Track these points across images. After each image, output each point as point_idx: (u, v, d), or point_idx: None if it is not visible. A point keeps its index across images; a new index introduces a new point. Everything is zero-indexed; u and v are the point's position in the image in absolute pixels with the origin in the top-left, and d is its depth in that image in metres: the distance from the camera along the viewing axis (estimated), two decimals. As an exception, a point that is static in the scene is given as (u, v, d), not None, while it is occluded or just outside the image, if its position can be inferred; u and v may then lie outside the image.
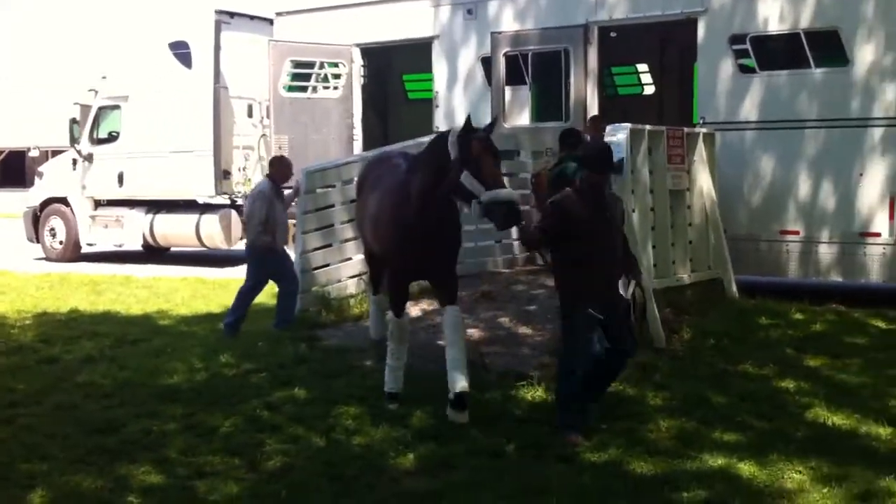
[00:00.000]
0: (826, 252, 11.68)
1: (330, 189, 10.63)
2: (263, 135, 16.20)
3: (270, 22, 15.94)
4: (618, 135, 9.17)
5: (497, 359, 8.10)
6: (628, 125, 9.44)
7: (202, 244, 16.49)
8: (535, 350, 8.36)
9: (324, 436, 6.43)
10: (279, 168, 9.88)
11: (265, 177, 9.97)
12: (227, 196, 16.24)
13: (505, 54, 13.42)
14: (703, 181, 10.48)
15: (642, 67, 16.83)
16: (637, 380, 7.61)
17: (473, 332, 8.61)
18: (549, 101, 13.67)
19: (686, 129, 10.72)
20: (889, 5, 11.34)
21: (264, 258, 9.51)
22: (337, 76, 15.20)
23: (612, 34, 13.59)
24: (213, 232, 16.16)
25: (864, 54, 11.51)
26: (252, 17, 16.69)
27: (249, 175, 16.23)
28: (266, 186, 9.58)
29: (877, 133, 11.45)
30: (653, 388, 7.50)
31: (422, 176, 6.74)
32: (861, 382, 7.69)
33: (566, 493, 5.37)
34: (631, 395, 7.33)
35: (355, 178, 9.11)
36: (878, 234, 11.27)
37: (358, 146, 15.14)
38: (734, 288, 10.65)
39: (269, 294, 10.13)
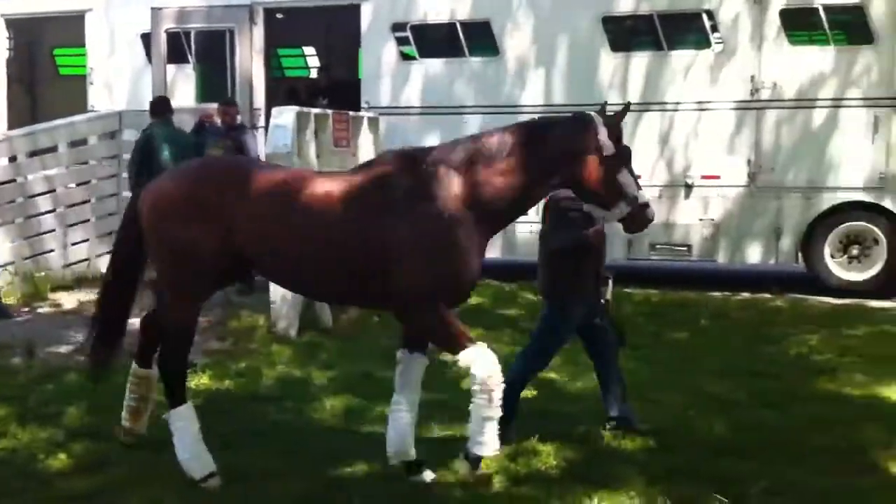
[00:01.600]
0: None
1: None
2: None
3: None
4: (283, 117, 9.16)
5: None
6: (295, 108, 9.46)
7: None
8: (200, 336, 8.16)
9: (-41, 443, 5.88)
10: None
11: None
12: None
13: (167, 31, 12.95)
14: (369, 164, 10.74)
15: (309, 50, 16.93)
16: (303, 361, 7.67)
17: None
18: (215, 81, 13.38)
19: (351, 113, 10.94)
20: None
21: None
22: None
23: (279, 16, 13.55)
24: None
25: (513, 45, 12.35)
26: None
27: None
28: None
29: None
30: (320, 367, 7.59)
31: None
32: (511, 351, 8.23)
33: (232, 480, 5.29)
34: (298, 376, 7.38)
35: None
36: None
37: (1, 125, 13.98)
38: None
39: None
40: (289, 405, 6.68)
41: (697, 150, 11.85)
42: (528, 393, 6.85)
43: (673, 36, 12.06)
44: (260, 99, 13.18)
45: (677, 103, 11.91)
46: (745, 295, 11.09)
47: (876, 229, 11.28)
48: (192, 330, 5.33)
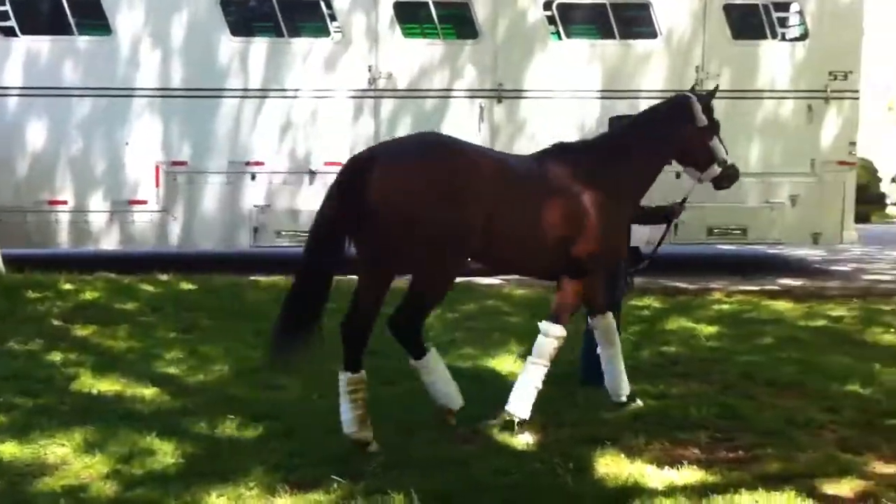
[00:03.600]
0: (97, 221, 11.77)
1: None
2: None
3: None
4: None
5: None
6: None
7: None
8: None
9: None
10: None
11: None
12: None
13: None
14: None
15: None
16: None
17: None
18: None
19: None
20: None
21: None
22: None
23: None
24: None
25: (126, 24, 11.76)
26: None
27: None
28: None
29: (142, 103, 11.84)
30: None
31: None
32: (128, 347, 7.91)
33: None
34: None
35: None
36: (146, 202, 11.69)
37: None
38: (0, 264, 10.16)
39: None
40: None
41: (320, 138, 12.04)
42: (147, 391, 6.63)
43: (294, 23, 12.16)
44: None
45: (297, 90, 12.03)
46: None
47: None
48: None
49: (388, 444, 5.48)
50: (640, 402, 6.29)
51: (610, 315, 6.25)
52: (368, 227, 5.17)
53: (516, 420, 5.76)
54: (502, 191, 5.42)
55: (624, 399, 6.25)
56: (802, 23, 12.40)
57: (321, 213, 5.28)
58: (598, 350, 6.29)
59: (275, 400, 6.45)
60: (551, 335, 5.84)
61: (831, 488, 4.86)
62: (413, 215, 5.11)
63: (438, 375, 5.87)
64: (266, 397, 6.51)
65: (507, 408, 5.82)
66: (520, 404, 5.78)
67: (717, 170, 6.16)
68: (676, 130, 6.07)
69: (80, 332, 8.32)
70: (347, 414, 5.46)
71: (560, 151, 5.92)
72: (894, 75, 35.96)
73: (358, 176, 5.17)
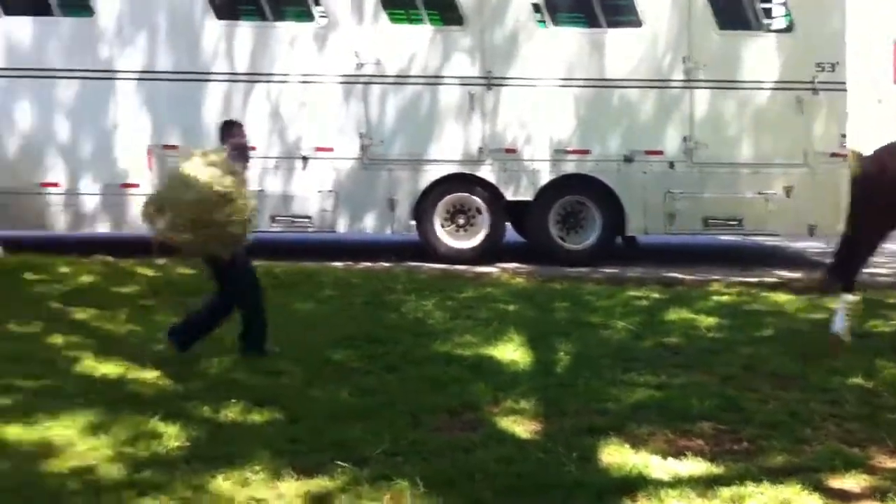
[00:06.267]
0: (90, 204, 11.72)
1: None
2: None
3: None
4: None
5: None
6: None
7: None
8: None
9: None
10: None
11: None
12: None
13: None
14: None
15: None
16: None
17: None
18: None
19: None
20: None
21: None
22: None
23: None
24: None
25: (109, 5, 11.63)
26: None
27: None
28: None
29: (130, 86, 11.73)
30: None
31: None
32: (129, 330, 7.89)
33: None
34: None
35: None
36: (137, 185, 11.61)
37: None
38: (-1, 246, 10.14)
39: None
40: None
41: (311, 123, 11.93)
42: (149, 374, 6.62)
43: (279, 7, 12.05)
44: None
45: (285, 75, 11.90)
46: (367, 264, 11.47)
47: (478, 200, 12.09)
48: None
49: (393, 431, 5.48)
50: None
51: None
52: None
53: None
54: None
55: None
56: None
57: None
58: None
59: (276, 386, 6.44)
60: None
61: (837, 482, 4.89)
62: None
63: None
64: (267, 383, 6.50)
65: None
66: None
67: None
68: None
69: (80, 315, 8.29)
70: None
71: None
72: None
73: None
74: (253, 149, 7.49)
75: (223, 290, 7.01)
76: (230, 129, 7.19)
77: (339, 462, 4.97)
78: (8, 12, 11.67)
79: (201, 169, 6.62)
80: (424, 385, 6.42)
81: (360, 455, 5.09)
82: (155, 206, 6.66)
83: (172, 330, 7.04)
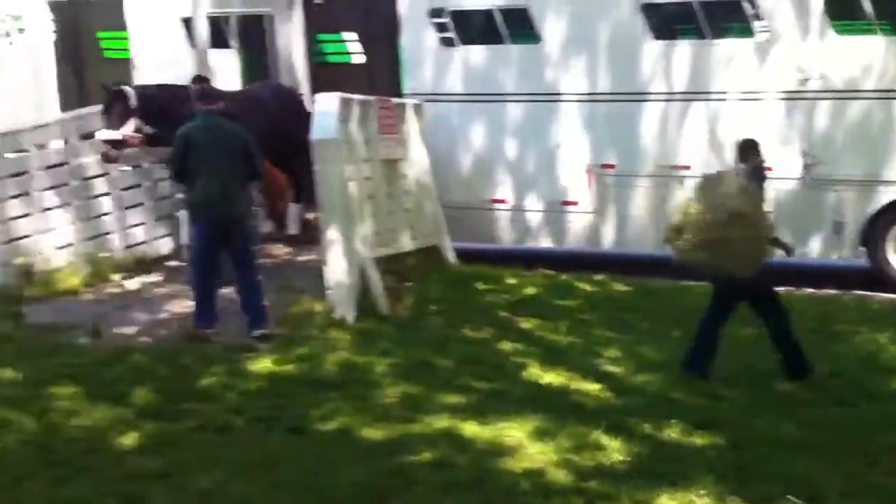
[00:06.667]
0: (533, 220, 12.33)
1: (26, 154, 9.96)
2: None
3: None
4: (327, 103, 9.13)
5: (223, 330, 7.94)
6: (338, 94, 9.44)
7: None
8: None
9: (37, 418, 5.98)
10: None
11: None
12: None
13: (208, 15, 13.01)
14: (416, 151, 10.73)
15: (350, 36, 16.82)
16: (362, 347, 7.68)
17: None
18: (257, 67, 13.46)
19: (395, 100, 10.91)
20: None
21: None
22: (21, 30, 14.24)
23: (316, 1, 13.56)
24: None
25: (555, 32, 12.16)
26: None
27: None
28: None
29: (571, 107, 12.18)
30: (378, 354, 7.60)
31: None
32: (570, 342, 8.18)
33: (296, 465, 5.33)
34: (358, 362, 7.39)
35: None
36: (577, 203, 12.01)
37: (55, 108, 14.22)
38: (451, 255, 11.01)
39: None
40: (351, 391, 6.69)
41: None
42: (591, 386, 6.85)
43: (717, 24, 11.75)
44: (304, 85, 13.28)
45: (723, 92, 11.60)
46: (810, 290, 10.86)
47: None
48: None
49: (846, 469, 5.15)
50: None
51: None
52: None
53: None
54: None
55: None
56: None
57: None
58: None
59: (717, 409, 6.34)
60: None
61: None
62: None
63: None
64: (708, 406, 6.41)
65: None
66: None
67: None
68: None
69: (525, 324, 8.74)
70: None
71: None
72: None
73: None
74: (769, 169, 7.66)
75: (763, 311, 7.05)
76: (749, 150, 7.29)
77: (791, 497, 4.77)
78: (464, 41, 12.70)
79: (717, 190, 6.86)
80: (881, 422, 5.95)
81: (814, 490, 4.85)
82: (675, 227, 6.96)
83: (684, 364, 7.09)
